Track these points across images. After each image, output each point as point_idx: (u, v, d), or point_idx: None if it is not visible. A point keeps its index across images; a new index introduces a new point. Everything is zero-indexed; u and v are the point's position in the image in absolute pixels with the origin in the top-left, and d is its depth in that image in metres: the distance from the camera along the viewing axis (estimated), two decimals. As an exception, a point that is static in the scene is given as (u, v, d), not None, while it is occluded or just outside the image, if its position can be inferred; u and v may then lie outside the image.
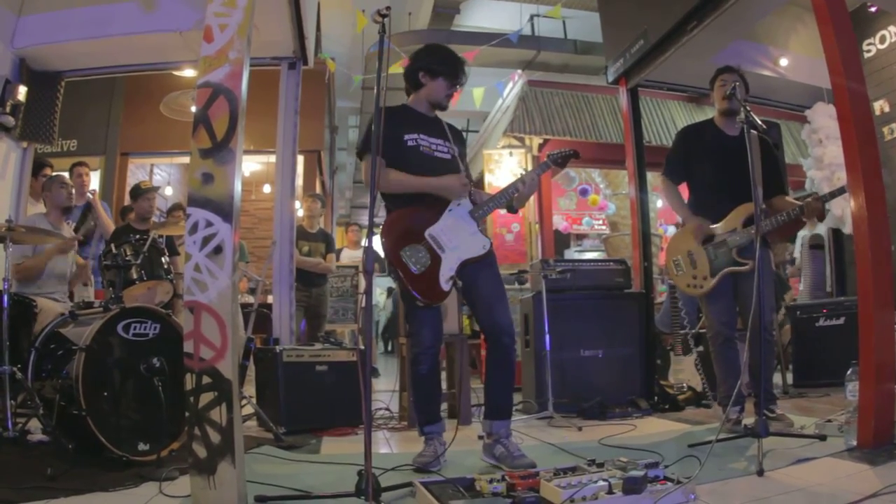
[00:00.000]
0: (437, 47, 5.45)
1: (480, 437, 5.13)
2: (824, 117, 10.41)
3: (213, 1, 4.01)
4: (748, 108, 5.03)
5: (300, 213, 10.75)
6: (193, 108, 3.98)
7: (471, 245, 5.01)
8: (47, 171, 8.66)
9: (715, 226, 5.94)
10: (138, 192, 8.59)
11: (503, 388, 5.09)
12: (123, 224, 8.89)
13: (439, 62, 5.26)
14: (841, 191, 5.37)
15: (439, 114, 5.44)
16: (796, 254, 11.29)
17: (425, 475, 4.42)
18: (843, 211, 9.80)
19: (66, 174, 8.28)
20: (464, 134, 5.67)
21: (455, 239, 4.97)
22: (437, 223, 4.97)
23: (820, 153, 10.64)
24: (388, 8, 4.09)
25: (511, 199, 5.23)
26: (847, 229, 10.15)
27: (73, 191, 7.14)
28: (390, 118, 4.86)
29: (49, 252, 6.58)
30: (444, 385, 7.85)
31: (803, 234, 10.82)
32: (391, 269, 4.87)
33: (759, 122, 5.00)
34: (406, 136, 5.10)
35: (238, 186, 3.86)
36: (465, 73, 5.38)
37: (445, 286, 4.85)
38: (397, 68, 10.94)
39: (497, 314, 5.04)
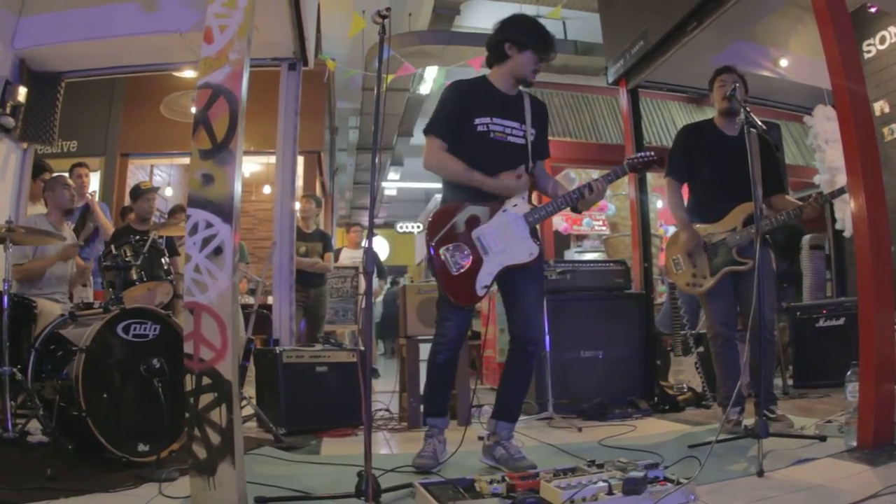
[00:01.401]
0: (525, 18, 5.21)
1: (481, 439, 5.14)
2: (822, 120, 10.40)
3: (214, 2, 4.01)
4: (748, 108, 5.03)
5: (297, 214, 10.75)
6: (193, 109, 3.98)
7: (517, 251, 4.84)
8: (46, 175, 8.66)
9: (714, 225, 5.95)
10: (138, 192, 8.60)
11: (517, 392, 5.08)
12: (123, 225, 8.90)
13: (529, 34, 5.01)
14: (841, 191, 5.37)
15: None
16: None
17: (425, 476, 4.42)
18: (844, 213, 9.80)
19: (67, 174, 8.27)
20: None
21: (502, 243, 4.81)
22: (488, 224, 4.83)
23: (821, 157, 10.64)
24: (388, 9, 4.08)
25: (575, 203, 4.99)
26: (848, 234, 10.16)
27: (75, 192, 7.15)
28: (464, 97, 4.85)
29: (52, 258, 6.60)
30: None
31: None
32: (429, 264, 4.82)
33: (759, 122, 5.01)
34: (477, 121, 4.90)
35: (238, 187, 3.85)
36: (555, 49, 5.11)
37: (481, 292, 4.75)
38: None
39: (532, 326, 5.00)
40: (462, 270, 4.70)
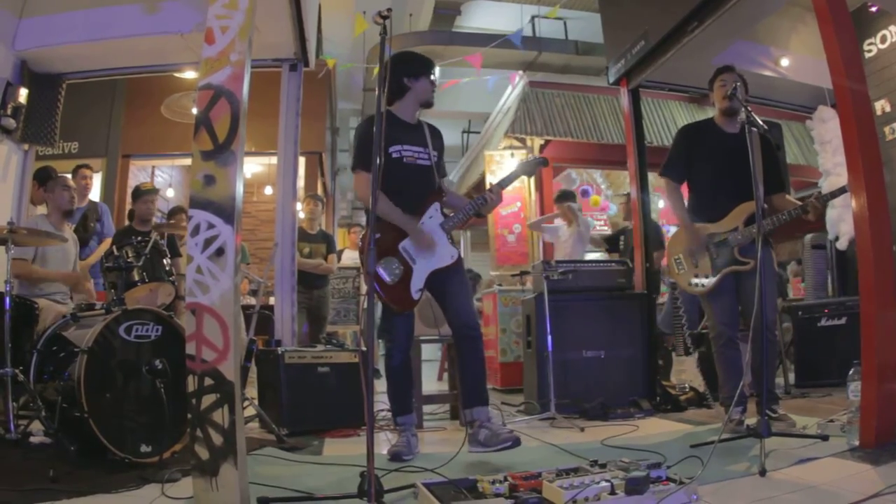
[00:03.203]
0: (408, 54, 5.90)
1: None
2: (819, 122, 10.41)
3: (215, 3, 4.02)
4: (749, 107, 5.04)
5: (301, 214, 10.74)
6: (195, 110, 3.99)
7: (440, 256, 5.45)
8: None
9: (716, 224, 5.95)
10: (137, 194, 8.64)
11: (476, 376, 5.43)
12: (126, 226, 8.90)
13: (418, 65, 5.68)
14: (842, 190, 5.36)
15: (424, 116, 5.84)
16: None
17: (424, 476, 4.43)
18: (840, 216, 9.79)
19: (68, 176, 8.25)
20: (455, 133, 5.97)
21: (426, 251, 5.38)
22: (410, 237, 5.37)
23: (820, 161, 10.66)
24: (388, 10, 4.09)
25: (479, 209, 5.61)
26: (832, 236, 10.15)
27: (75, 194, 7.15)
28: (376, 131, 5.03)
29: (56, 275, 6.62)
30: (445, 386, 7.89)
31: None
32: (367, 281, 4.97)
33: (760, 122, 5.01)
34: (391, 149, 5.40)
35: (240, 188, 3.86)
36: (433, 65, 5.82)
37: (416, 295, 5.33)
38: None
39: (460, 310, 5.46)
40: (396, 280, 5.26)
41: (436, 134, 5.83)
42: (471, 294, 5.75)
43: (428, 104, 5.70)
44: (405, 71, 5.56)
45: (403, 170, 5.45)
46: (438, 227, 5.49)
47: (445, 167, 5.96)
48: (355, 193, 5.87)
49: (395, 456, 5.08)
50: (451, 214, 5.61)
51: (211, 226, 3.74)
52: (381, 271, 5.16)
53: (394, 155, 5.41)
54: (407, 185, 5.43)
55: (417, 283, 5.30)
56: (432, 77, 5.68)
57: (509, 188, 6.63)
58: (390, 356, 5.50)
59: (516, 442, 4.88)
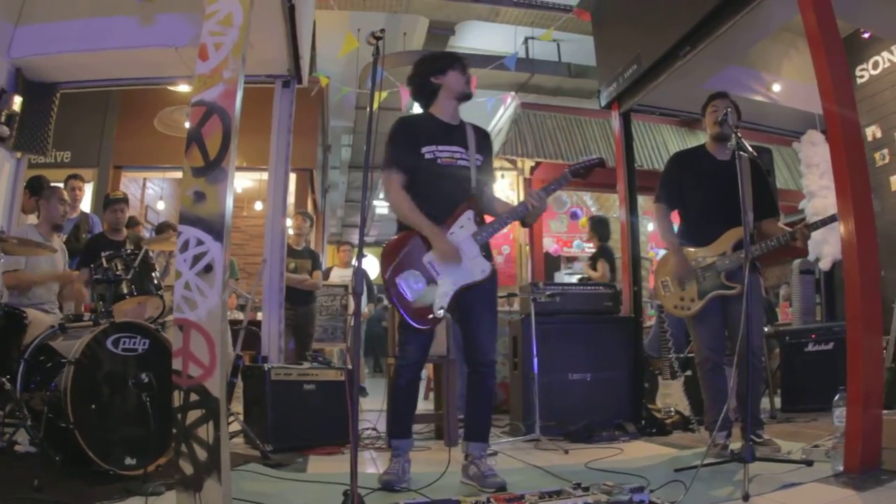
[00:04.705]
0: (428, 54, 5.61)
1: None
2: (808, 145, 10.46)
3: (209, 19, 4.03)
4: (739, 133, 5.07)
5: (290, 231, 10.76)
6: (187, 124, 4.00)
7: (469, 270, 5.03)
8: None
9: (704, 249, 5.97)
10: (107, 203, 8.60)
11: (482, 412, 5.24)
12: (98, 233, 8.85)
13: (440, 59, 5.41)
14: (832, 218, 5.37)
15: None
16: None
17: (408, 496, 4.43)
18: (824, 238, 9.81)
19: (63, 190, 8.23)
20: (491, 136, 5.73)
21: (453, 265, 4.99)
22: (434, 247, 5.00)
23: (805, 182, 10.71)
24: (382, 31, 4.11)
25: (523, 217, 5.25)
26: (823, 264, 10.18)
27: (68, 208, 7.18)
28: (409, 131, 5.07)
29: (48, 276, 6.62)
30: (431, 405, 7.88)
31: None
32: (386, 293, 4.91)
33: (749, 148, 5.05)
34: (424, 150, 5.13)
35: (230, 205, 3.87)
36: (462, 56, 5.48)
37: (439, 314, 4.91)
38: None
39: (484, 346, 5.18)
40: (418, 297, 4.89)
41: (482, 135, 5.51)
42: (496, 323, 5.39)
43: (465, 96, 5.37)
44: (430, 70, 5.31)
45: (437, 172, 5.14)
46: (470, 237, 5.08)
47: (493, 175, 5.65)
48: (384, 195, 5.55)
49: (386, 485, 4.83)
50: (486, 224, 5.24)
51: (200, 242, 3.75)
52: (401, 286, 4.87)
53: (427, 156, 5.13)
54: (438, 189, 5.11)
55: (442, 301, 4.93)
56: (462, 67, 5.34)
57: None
58: (399, 374, 5.21)
59: (501, 488, 4.68)
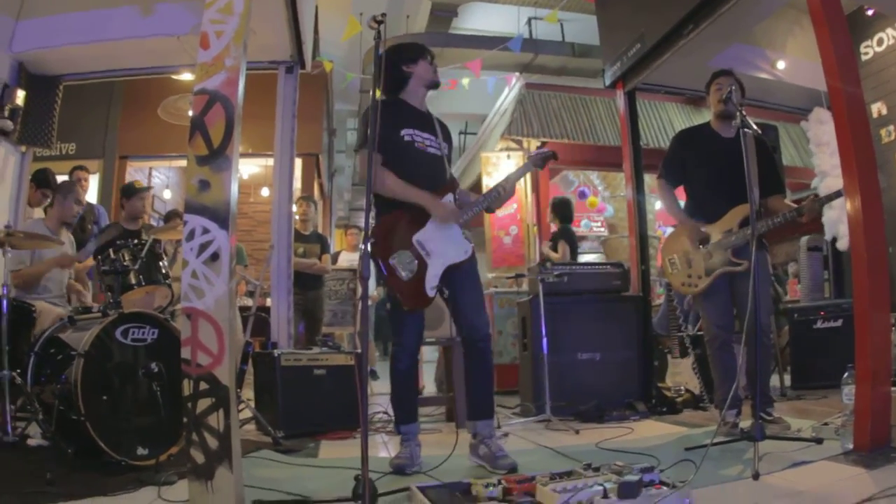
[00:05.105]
0: (399, 44, 5.62)
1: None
2: (816, 124, 10.43)
3: (210, 7, 4.02)
4: (743, 111, 5.06)
5: (296, 217, 10.76)
6: (191, 113, 4.00)
7: (455, 250, 5.14)
8: (48, 191, 8.70)
9: (711, 226, 5.96)
10: (132, 191, 8.52)
11: (484, 388, 5.27)
12: (113, 222, 8.87)
13: (412, 50, 5.45)
14: (838, 194, 5.37)
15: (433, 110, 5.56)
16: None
17: (418, 479, 4.44)
18: (839, 217, 9.81)
19: (80, 190, 8.22)
20: (453, 134, 5.80)
21: (441, 245, 5.09)
22: (424, 228, 5.08)
23: (816, 162, 10.68)
24: (383, 15, 4.10)
25: (492, 202, 5.38)
26: (829, 237, 10.18)
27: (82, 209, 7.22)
28: (387, 112, 4.92)
29: (48, 263, 6.63)
30: (441, 388, 7.88)
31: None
32: (379, 275, 4.93)
33: (754, 125, 5.04)
34: (402, 132, 5.18)
35: (234, 193, 3.87)
36: (428, 47, 5.57)
37: (431, 293, 5.00)
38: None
39: (476, 321, 5.21)
40: (411, 275, 4.93)
41: (445, 128, 5.60)
42: (483, 299, 5.46)
43: (434, 84, 5.48)
44: (401, 59, 5.36)
45: (416, 154, 5.23)
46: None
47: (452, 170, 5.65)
48: (356, 174, 5.64)
49: (397, 469, 4.85)
50: (464, 207, 5.31)
51: (206, 231, 3.75)
52: (395, 266, 4.89)
53: (406, 138, 5.19)
54: (419, 171, 5.16)
55: (433, 279, 5.00)
56: (430, 57, 5.45)
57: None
58: (397, 359, 5.20)
59: (512, 469, 4.70)
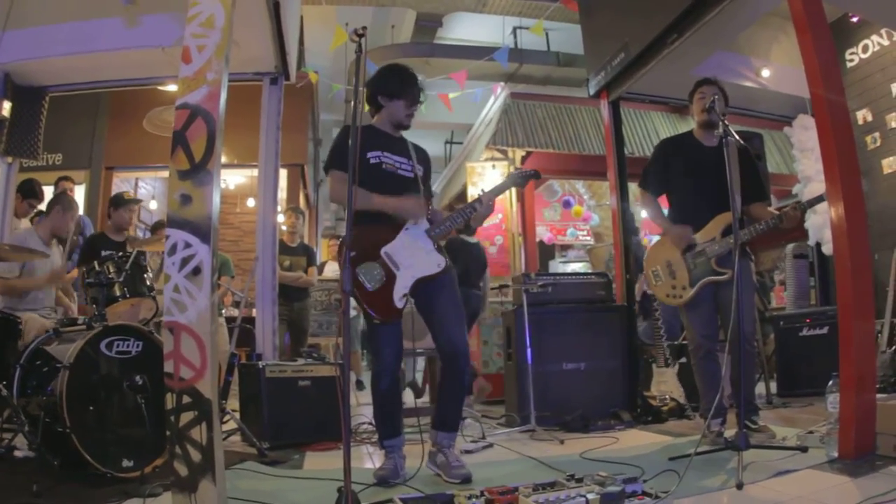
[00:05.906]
0: (392, 68, 5.55)
1: (466, 452, 5.21)
2: (800, 130, 10.48)
3: (191, 22, 4.04)
4: (726, 121, 5.08)
5: (283, 227, 10.75)
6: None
7: (426, 263, 5.15)
8: (34, 202, 8.71)
9: (694, 235, 5.97)
10: (122, 201, 8.44)
11: (453, 404, 5.31)
12: (98, 233, 8.86)
13: (396, 84, 5.40)
14: (819, 199, 5.40)
15: (409, 133, 5.59)
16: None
17: (401, 491, 4.45)
18: (812, 222, 9.88)
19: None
20: (438, 144, 5.83)
21: (410, 257, 5.10)
22: (393, 241, 5.11)
23: (800, 168, 10.73)
24: (364, 28, 4.11)
25: (468, 218, 5.38)
26: (813, 242, 10.24)
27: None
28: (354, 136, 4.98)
29: (39, 281, 6.64)
30: (427, 399, 7.89)
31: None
32: (343, 296, 4.95)
33: (736, 135, 5.07)
34: (369, 154, 5.19)
35: (216, 207, 3.88)
36: (423, 91, 5.51)
37: (399, 303, 5.00)
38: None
39: (453, 336, 5.18)
40: (378, 286, 4.95)
41: (421, 151, 5.62)
42: (462, 314, 5.39)
43: (400, 126, 5.47)
44: (381, 88, 5.40)
45: (384, 176, 5.23)
46: (424, 233, 5.24)
47: (431, 191, 5.68)
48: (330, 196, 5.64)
49: (381, 480, 4.88)
50: (438, 222, 5.35)
51: (188, 245, 3.76)
52: (361, 277, 4.89)
53: (371, 160, 5.20)
54: (386, 191, 5.15)
55: (401, 288, 5.01)
56: (409, 101, 5.40)
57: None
58: (378, 378, 5.20)
59: (466, 480, 4.79)
